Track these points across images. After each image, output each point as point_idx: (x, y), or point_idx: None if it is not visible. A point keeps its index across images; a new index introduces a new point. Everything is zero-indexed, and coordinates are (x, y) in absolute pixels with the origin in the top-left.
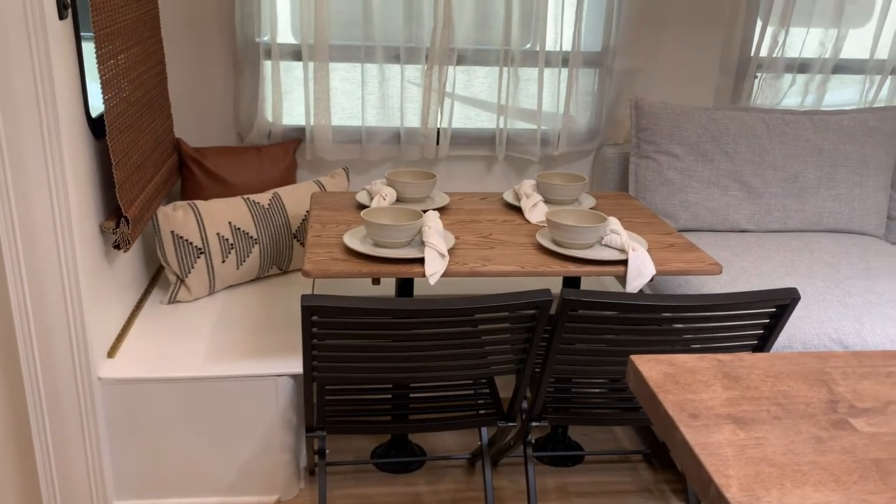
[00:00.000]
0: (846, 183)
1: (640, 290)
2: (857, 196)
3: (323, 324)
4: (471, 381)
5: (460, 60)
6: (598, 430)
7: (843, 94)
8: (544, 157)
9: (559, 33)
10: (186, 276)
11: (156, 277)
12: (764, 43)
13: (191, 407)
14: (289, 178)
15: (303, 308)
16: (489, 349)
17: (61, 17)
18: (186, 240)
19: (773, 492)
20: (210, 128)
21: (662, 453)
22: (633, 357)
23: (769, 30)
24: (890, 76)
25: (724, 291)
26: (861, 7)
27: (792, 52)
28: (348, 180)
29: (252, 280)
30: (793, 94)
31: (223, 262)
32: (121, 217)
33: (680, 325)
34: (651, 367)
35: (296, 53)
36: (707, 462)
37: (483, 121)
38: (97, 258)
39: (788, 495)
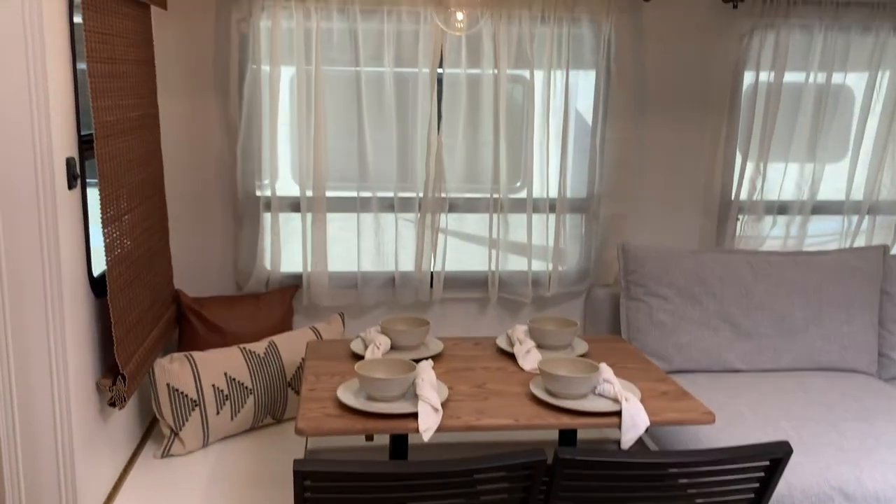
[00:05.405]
0: (833, 321)
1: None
2: (846, 334)
3: (316, 488)
4: None
5: (452, 208)
6: None
7: (825, 226)
8: (536, 297)
9: (545, 182)
10: (181, 430)
11: (150, 429)
12: (743, 187)
13: None
14: (285, 325)
15: (295, 473)
16: None
17: (70, 187)
18: (182, 392)
19: None
20: (209, 277)
21: None
22: None
23: (748, 173)
24: (867, 216)
25: (718, 437)
26: (836, 139)
27: (771, 195)
28: (344, 325)
29: (247, 430)
30: (776, 233)
31: (217, 413)
32: (117, 374)
33: (675, 482)
34: None
35: (294, 205)
36: None
37: (475, 263)
38: (92, 416)
39: None
